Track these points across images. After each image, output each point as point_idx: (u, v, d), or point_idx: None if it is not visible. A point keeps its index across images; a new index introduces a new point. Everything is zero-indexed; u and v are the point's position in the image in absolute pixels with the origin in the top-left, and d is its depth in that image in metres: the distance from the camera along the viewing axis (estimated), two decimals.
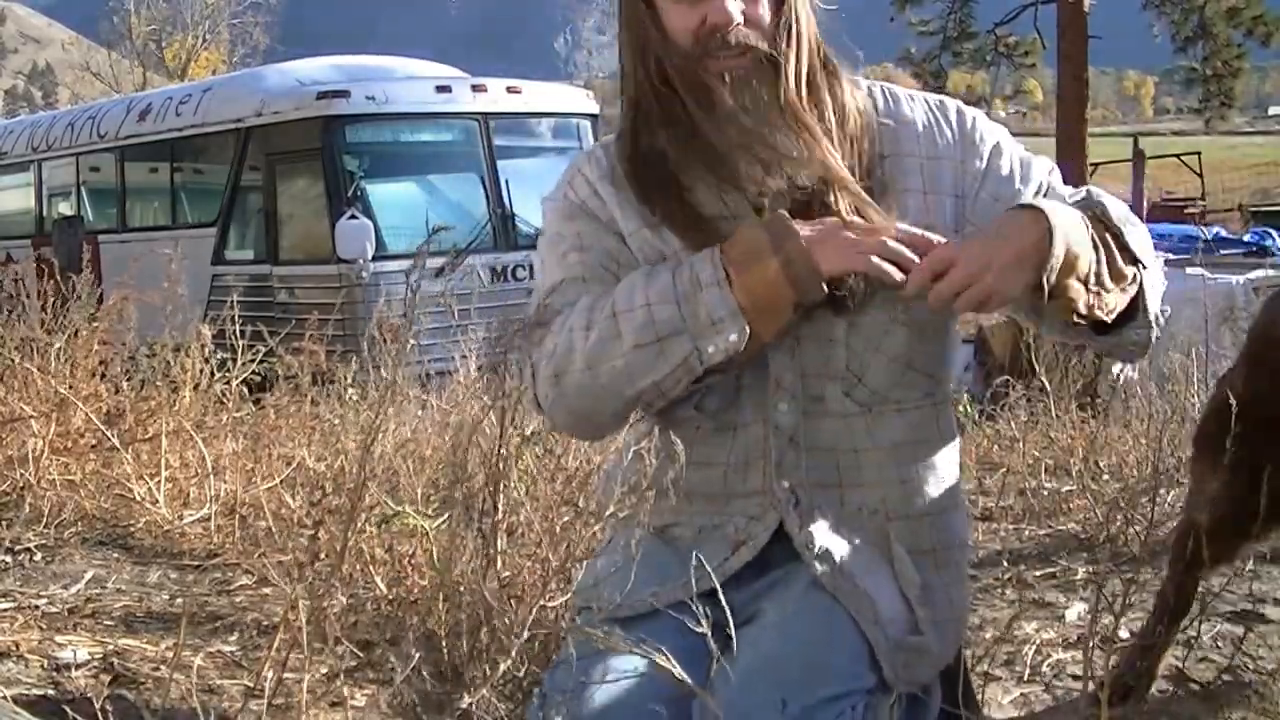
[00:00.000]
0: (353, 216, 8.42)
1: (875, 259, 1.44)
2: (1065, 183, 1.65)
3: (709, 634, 1.34)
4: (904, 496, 1.56)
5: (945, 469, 1.61)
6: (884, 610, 1.46)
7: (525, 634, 1.83)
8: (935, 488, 1.59)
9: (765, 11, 1.53)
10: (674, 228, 1.55)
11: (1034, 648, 2.45)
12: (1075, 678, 2.29)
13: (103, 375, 3.87)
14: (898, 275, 1.43)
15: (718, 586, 1.40)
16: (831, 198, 1.49)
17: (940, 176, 1.57)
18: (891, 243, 1.45)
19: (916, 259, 1.43)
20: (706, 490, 1.57)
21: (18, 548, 3.02)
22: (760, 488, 1.55)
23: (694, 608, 1.35)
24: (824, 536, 1.51)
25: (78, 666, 2.24)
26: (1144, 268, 1.51)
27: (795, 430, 1.54)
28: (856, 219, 1.48)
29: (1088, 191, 1.59)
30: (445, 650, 1.94)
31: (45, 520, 3.21)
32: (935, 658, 1.51)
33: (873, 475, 1.55)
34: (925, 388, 1.58)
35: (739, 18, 1.50)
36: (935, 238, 1.46)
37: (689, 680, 1.31)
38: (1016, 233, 1.42)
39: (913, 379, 1.56)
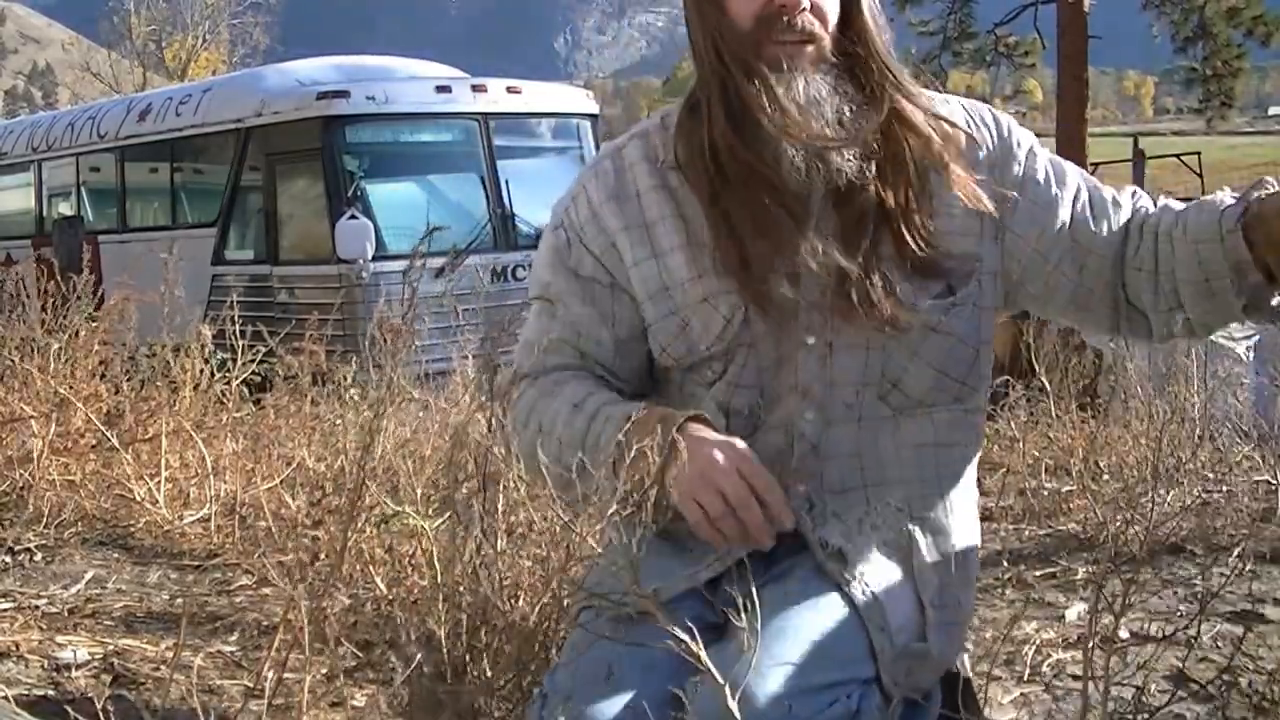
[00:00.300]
0: (353, 217, 8.42)
1: (707, 519, 1.42)
2: None
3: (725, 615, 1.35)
4: (927, 497, 1.55)
5: (967, 474, 1.61)
6: (894, 617, 1.45)
7: (525, 634, 1.83)
8: (957, 492, 1.58)
9: (832, 7, 1.51)
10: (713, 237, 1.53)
11: (1034, 648, 2.45)
12: (1075, 678, 2.29)
13: (103, 375, 3.88)
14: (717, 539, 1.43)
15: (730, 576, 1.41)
16: (877, 194, 1.50)
17: (982, 187, 1.55)
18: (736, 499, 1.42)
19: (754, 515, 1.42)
20: None
21: (18, 548, 3.02)
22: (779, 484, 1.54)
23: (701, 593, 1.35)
24: (838, 538, 1.50)
25: (78, 667, 2.24)
26: None
27: (819, 438, 1.53)
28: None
29: (1133, 192, 1.62)
30: (445, 650, 1.94)
31: (45, 520, 3.21)
32: (937, 663, 1.50)
33: (896, 474, 1.55)
34: (957, 393, 1.58)
35: (806, 2, 1.48)
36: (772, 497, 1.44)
37: (704, 656, 1.30)
38: None
39: (947, 385, 1.56)
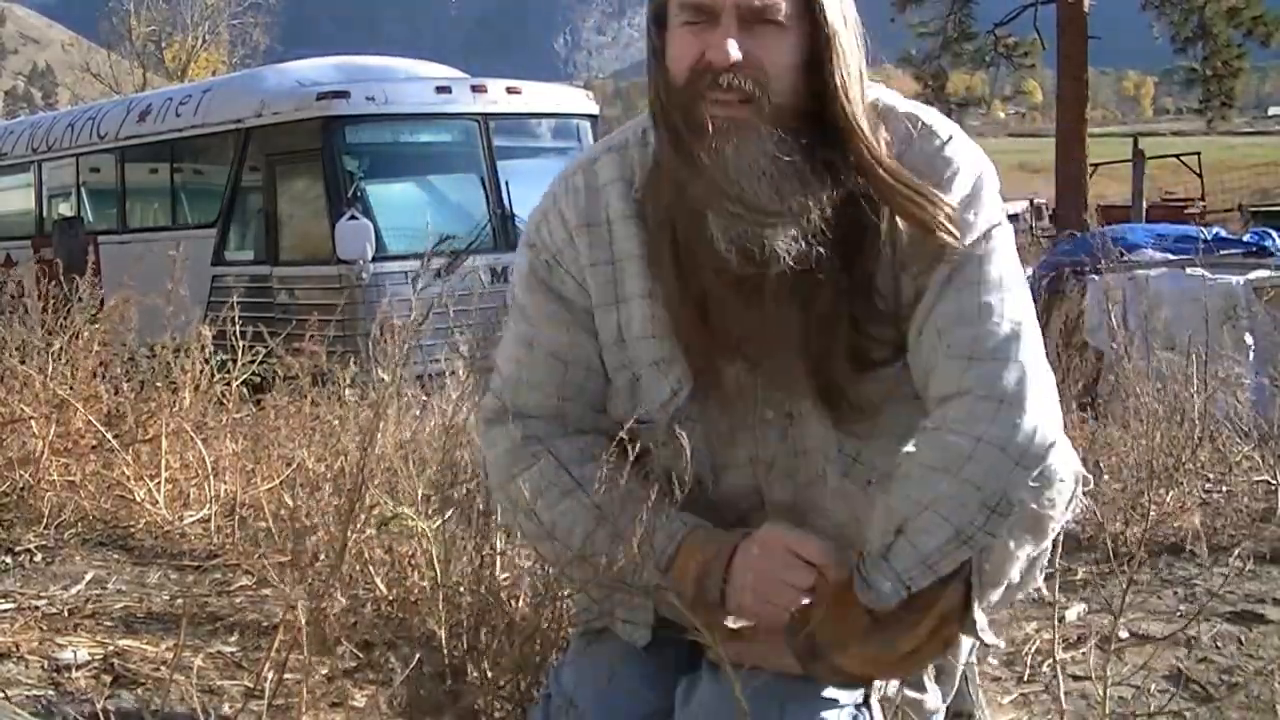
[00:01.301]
0: (353, 217, 8.41)
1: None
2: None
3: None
4: None
5: None
6: None
7: (525, 634, 1.84)
8: None
9: (779, 55, 1.34)
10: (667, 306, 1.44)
11: (1034, 647, 2.45)
12: (1076, 678, 2.29)
13: (103, 376, 3.88)
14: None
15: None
16: (830, 279, 1.36)
17: (914, 257, 1.39)
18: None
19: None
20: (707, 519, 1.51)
21: (18, 549, 3.02)
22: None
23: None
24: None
25: (78, 667, 2.24)
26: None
27: (794, 501, 1.48)
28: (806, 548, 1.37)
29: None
30: (445, 651, 1.94)
31: (45, 521, 3.21)
32: (932, 709, 1.47)
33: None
34: None
35: (735, 57, 1.32)
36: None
37: (715, 643, 1.30)
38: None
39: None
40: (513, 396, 1.50)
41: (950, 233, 1.35)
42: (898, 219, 1.37)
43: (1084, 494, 1.39)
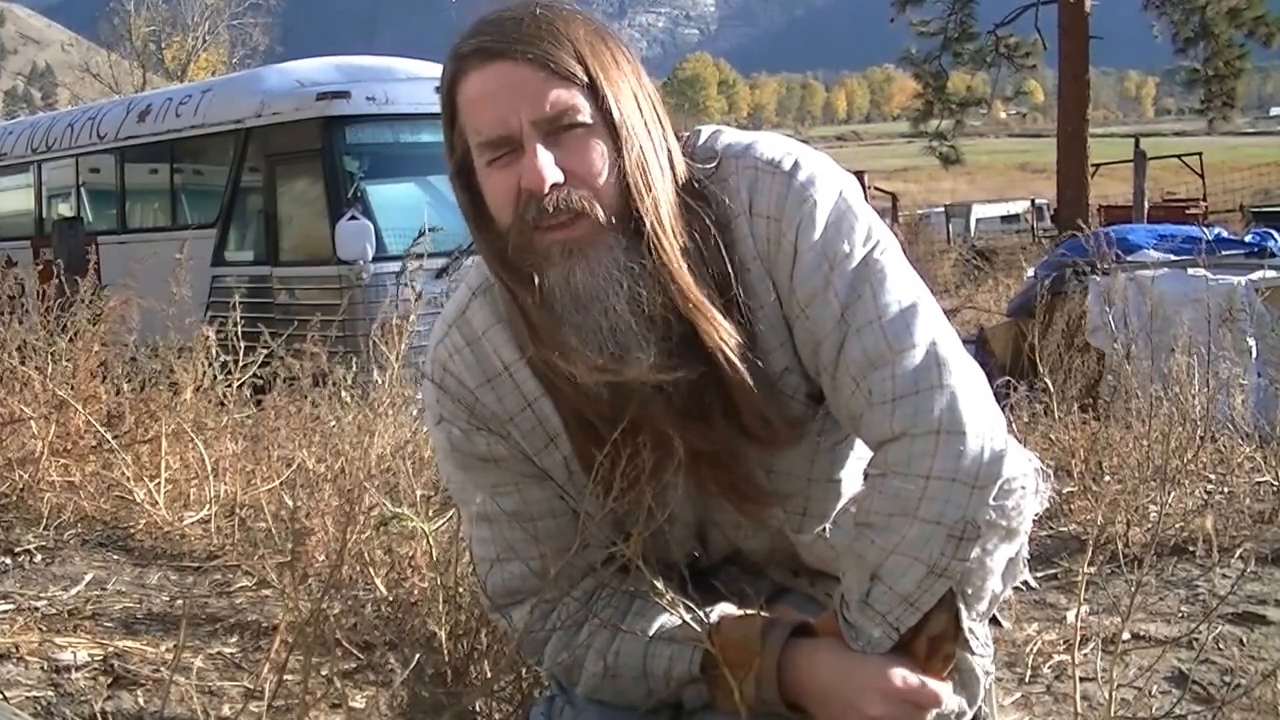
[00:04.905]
0: (353, 217, 8.41)
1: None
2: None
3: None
4: None
5: None
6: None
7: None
8: None
9: (597, 157, 1.25)
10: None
11: (1035, 648, 2.44)
12: (1079, 679, 2.28)
13: (103, 377, 3.87)
14: None
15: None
16: (702, 375, 1.30)
17: (777, 280, 1.33)
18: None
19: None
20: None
21: (18, 549, 3.01)
22: (751, 565, 1.53)
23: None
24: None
25: (77, 668, 2.24)
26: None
27: (771, 549, 1.48)
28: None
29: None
30: (445, 652, 1.94)
31: (45, 522, 3.20)
32: (944, 711, 1.46)
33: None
34: None
35: (553, 179, 1.24)
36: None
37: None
38: None
39: (859, 482, 1.42)
40: (496, 581, 1.43)
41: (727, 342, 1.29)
42: (757, 251, 1.31)
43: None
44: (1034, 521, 1.37)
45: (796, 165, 1.32)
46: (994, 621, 1.50)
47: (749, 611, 1.38)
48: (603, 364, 1.26)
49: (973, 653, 1.35)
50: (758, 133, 1.39)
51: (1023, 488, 1.28)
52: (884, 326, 1.27)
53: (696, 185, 1.31)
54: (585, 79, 1.25)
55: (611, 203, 1.26)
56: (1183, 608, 2.69)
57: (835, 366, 1.30)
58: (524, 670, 1.88)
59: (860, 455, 1.42)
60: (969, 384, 1.28)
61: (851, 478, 1.44)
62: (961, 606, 1.30)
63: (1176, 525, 3.08)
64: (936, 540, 1.25)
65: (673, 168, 1.30)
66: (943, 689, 1.30)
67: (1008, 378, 4.04)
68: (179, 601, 2.68)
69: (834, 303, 1.29)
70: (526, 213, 1.25)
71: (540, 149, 1.24)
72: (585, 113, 1.25)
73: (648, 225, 1.25)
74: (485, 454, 1.40)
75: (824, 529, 1.45)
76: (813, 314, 1.30)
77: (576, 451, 1.37)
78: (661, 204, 1.27)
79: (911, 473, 1.25)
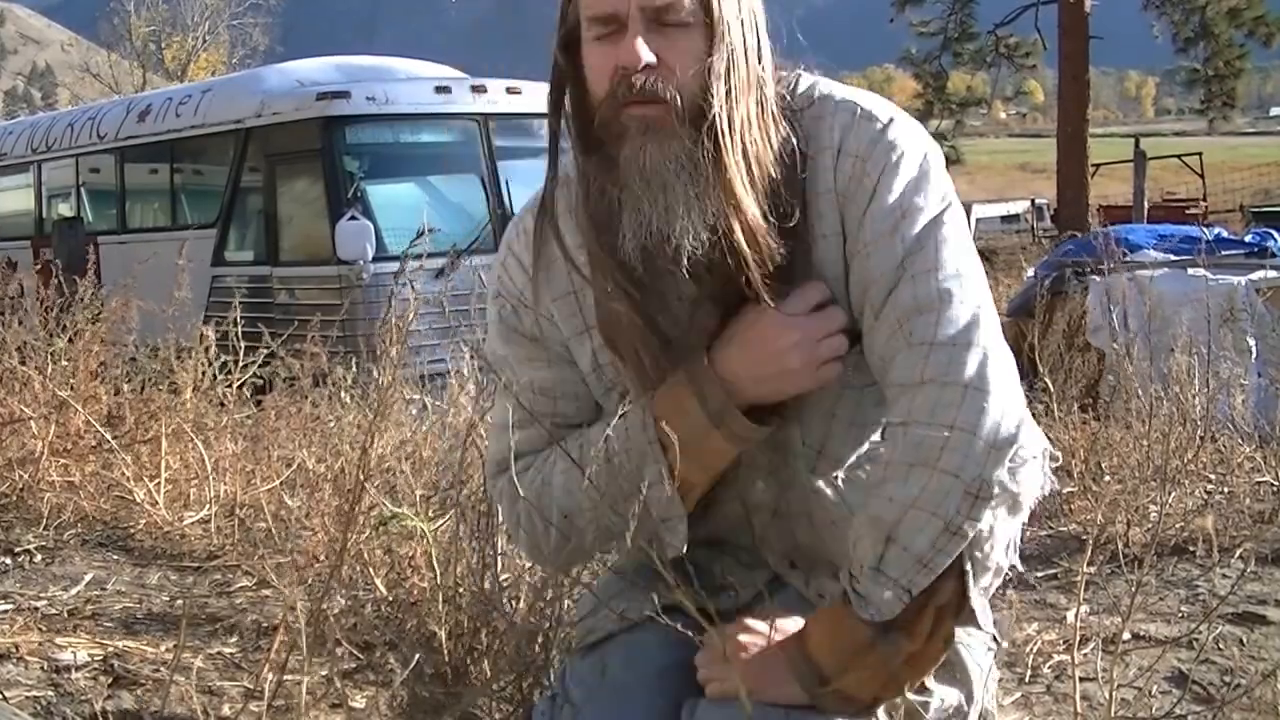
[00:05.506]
0: (353, 218, 8.40)
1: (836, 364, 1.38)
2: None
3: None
4: None
5: None
6: None
7: (525, 635, 1.83)
8: None
9: (689, 56, 1.35)
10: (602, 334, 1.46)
11: (1035, 648, 2.44)
12: (1079, 679, 2.28)
13: (103, 377, 3.87)
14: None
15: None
16: (740, 262, 1.35)
17: (848, 216, 1.40)
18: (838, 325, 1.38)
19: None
20: (701, 535, 1.50)
21: (18, 549, 3.01)
22: (750, 545, 1.53)
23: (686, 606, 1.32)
24: (833, 585, 1.45)
25: (78, 668, 2.24)
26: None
27: (777, 503, 1.49)
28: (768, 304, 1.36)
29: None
30: (445, 652, 1.94)
31: (45, 522, 3.20)
32: (943, 707, 1.45)
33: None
34: None
35: (647, 59, 1.34)
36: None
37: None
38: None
39: (875, 436, 1.47)
40: (503, 445, 1.51)
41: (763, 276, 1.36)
42: (836, 184, 1.38)
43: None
44: (1034, 521, 1.39)
45: (892, 120, 1.40)
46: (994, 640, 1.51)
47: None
48: (653, 231, 1.35)
49: (978, 627, 1.39)
50: (858, 89, 1.47)
51: (1034, 458, 1.34)
52: (939, 278, 1.34)
53: (786, 112, 1.40)
54: None
55: (692, 101, 1.35)
56: (1183, 608, 2.69)
57: (882, 306, 1.35)
58: (524, 670, 1.88)
59: (880, 419, 1.45)
60: (1002, 353, 1.34)
61: (870, 429, 1.46)
62: (970, 573, 1.33)
63: (1176, 525, 3.08)
64: (954, 495, 1.29)
65: (761, 87, 1.39)
66: (838, 314, 1.38)
67: None
68: (179, 601, 2.67)
69: (898, 248, 1.35)
70: (618, 89, 1.35)
71: (641, 33, 1.34)
72: (689, 12, 1.35)
73: (717, 122, 1.34)
74: (528, 331, 1.52)
75: (838, 477, 1.46)
76: (874, 253, 1.36)
77: (605, 331, 1.44)
78: (737, 110, 1.36)
79: (935, 422, 1.29)
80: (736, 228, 1.34)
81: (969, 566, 1.33)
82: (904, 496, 1.30)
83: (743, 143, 1.36)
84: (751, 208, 1.35)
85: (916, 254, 1.35)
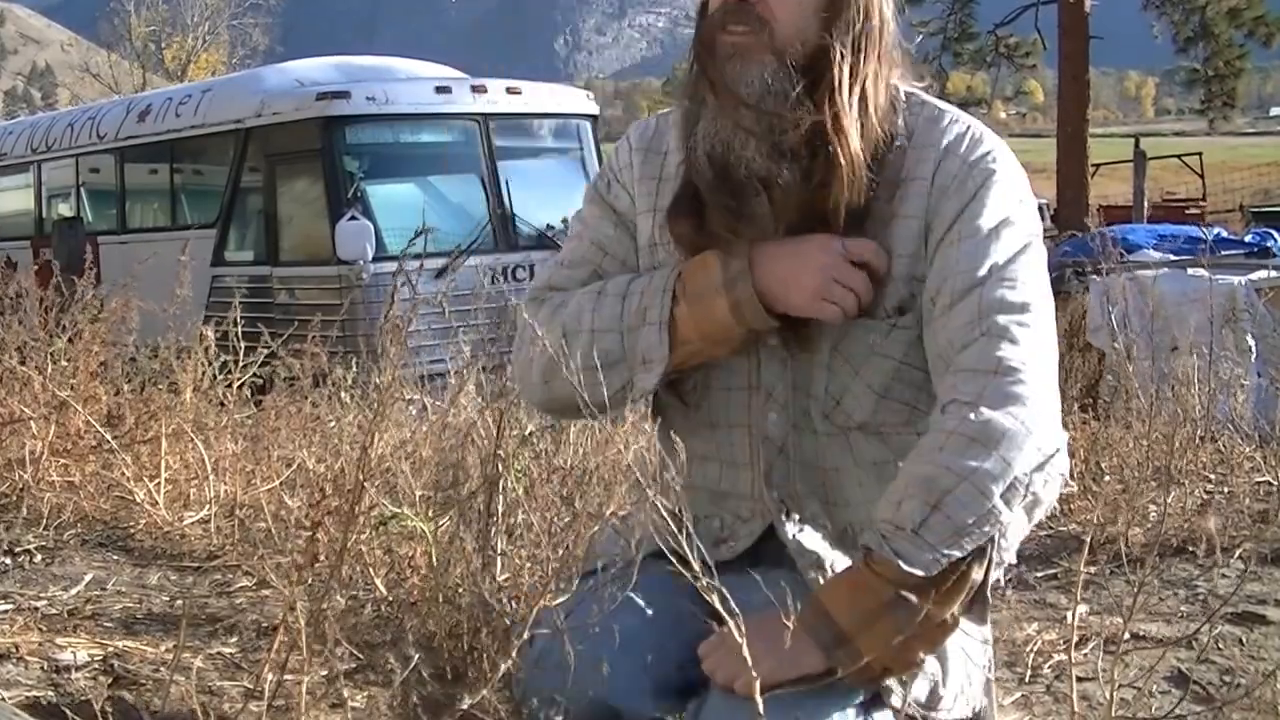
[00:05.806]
0: (353, 218, 8.41)
1: (836, 309, 1.46)
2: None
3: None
4: None
5: None
6: None
7: (525, 634, 1.83)
8: None
9: (803, 8, 1.48)
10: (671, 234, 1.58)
11: (1035, 648, 2.44)
12: (1078, 679, 2.28)
13: (103, 377, 3.87)
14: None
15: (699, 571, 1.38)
16: (827, 183, 1.46)
17: (939, 208, 1.49)
18: (862, 287, 1.47)
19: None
20: (704, 484, 1.59)
21: (17, 549, 3.01)
22: (750, 492, 1.56)
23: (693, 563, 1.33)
24: (816, 544, 1.51)
25: (77, 668, 2.24)
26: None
27: (785, 441, 1.54)
28: (843, 243, 1.47)
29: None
30: (445, 651, 1.94)
31: (45, 522, 3.20)
32: (930, 672, 1.46)
33: (856, 495, 1.53)
34: (907, 417, 1.53)
35: None
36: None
37: (728, 598, 1.30)
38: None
39: (892, 408, 1.53)
40: (551, 277, 1.67)
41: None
42: (935, 177, 1.48)
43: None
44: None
45: (1002, 150, 1.51)
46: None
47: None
48: (718, 142, 1.48)
49: (984, 621, 1.46)
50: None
51: (1060, 474, 1.42)
52: (1027, 291, 1.44)
53: (901, 107, 1.51)
54: None
55: (784, 39, 1.47)
56: (1183, 608, 2.69)
57: (964, 296, 1.44)
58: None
59: (907, 401, 1.52)
60: (1051, 352, 1.46)
61: (891, 406, 1.52)
62: (994, 562, 1.37)
63: (1177, 525, 3.08)
64: (1003, 482, 1.35)
65: (888, 64, 1.51)
66: (868, 282, 1.47)
67: None
68: (179, 601, 2.67)
69: (993, 249, 1.45)
70: (721, 14, 1.50)
71: None
72: None
73: (833, 57, 1.46)
74: (610, 199, 1.67)
75: (848, 434, 1.53)
76: (966, 247, 1.45)
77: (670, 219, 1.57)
78: (864, 65, 1.48)
79: (1007, 409, 1.37)
80: (840, 151, 1.44)
81: (996, 555, 1.38)
82: (961, 468, 1.35)
83: (863, 89, 1.47)
84: (855, 141, 1.45)
85: (1010, 263, 1.45)
